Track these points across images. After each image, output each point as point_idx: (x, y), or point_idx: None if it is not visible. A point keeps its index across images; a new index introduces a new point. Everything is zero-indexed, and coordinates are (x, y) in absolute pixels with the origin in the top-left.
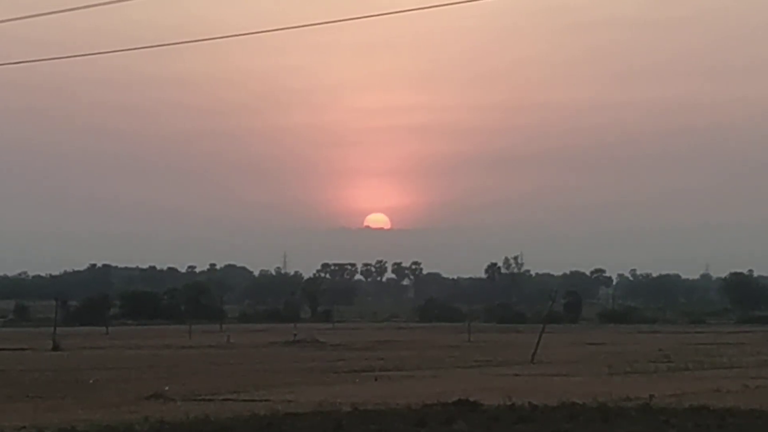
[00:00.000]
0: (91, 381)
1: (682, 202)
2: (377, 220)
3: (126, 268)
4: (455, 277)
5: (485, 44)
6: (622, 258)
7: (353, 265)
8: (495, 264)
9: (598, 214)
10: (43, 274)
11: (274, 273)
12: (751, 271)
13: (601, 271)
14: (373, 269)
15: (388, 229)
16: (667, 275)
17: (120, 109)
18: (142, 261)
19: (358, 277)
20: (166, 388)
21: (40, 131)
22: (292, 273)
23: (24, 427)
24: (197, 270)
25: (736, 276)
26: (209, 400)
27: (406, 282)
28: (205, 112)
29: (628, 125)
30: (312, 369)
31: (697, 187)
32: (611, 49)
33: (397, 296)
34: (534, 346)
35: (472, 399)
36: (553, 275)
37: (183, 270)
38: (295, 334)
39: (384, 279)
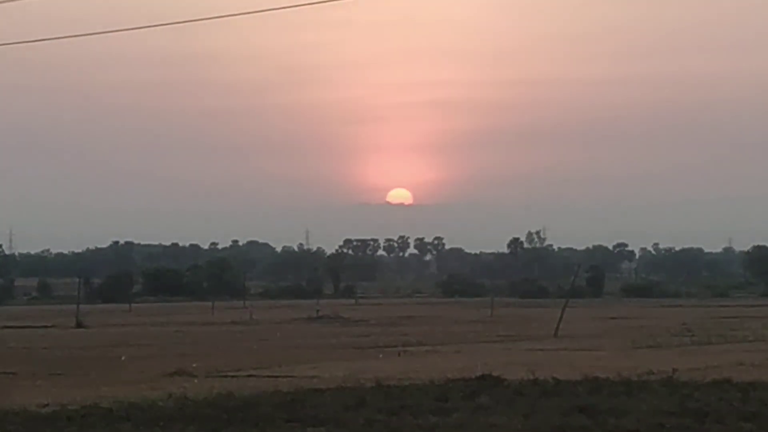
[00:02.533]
0: (123, 358)
1: (704, 175)
2: (399, 195)
3: (148, 245)
4: (478, 252)
5: (508, 19)
6: (645, 232)
7: (375, 240)
8: (517, 239)
9: (621, 189)
10: (65, 251)
11: (296, 249)
12: None
13: (624, 245)
14: (395, 245)
15: (410, 205)
16: (690, 249)
17: (141, 86)
18: (164, 238)
19: (380, 252)
20: (194, 365)
21: (61, 108)
22: (314, 249)
23: (47, 405)
24: (220, 246)
25: (759, 249)
26: (232, 376)
27: (428, 257)
28: (227, 88)
29: (651, 99)
30: (335, 345)
31: (720, 160)
32: (630, 22)
33: (419, 272)
34: (557, 320)
35: (495, 374)
36: (575, 250)
37: (205, 246)
38: (317, 310)
39: (406, 254)
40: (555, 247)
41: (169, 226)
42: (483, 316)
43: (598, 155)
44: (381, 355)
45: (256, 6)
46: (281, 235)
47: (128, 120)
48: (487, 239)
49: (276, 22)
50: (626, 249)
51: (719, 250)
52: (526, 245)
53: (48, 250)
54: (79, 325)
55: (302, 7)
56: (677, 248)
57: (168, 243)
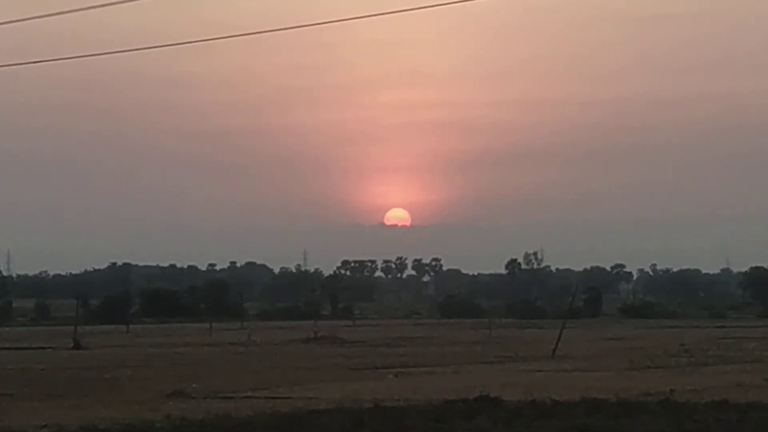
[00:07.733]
0: (129, 374)
1: (702, 196)
2: (397, 216)
3: (146, 266)
4: (475, 273)
5: (505, 40)
6: (642, 253)
7: (373, 261)
8: (515, 260)
9: (618, 210)
10: (63, 272)
11: (294, 270)
12: None
13: (621, 266)
14: (393, 266)
15: (408, 226)
16: (688, 270)
17: (139, 107)
18: (162, 259)
19: (378, 273)
20: (194, 385)
21: (59, 129)
22: (312, 270)
23: (45, 426)
24: (217, 268)
25: (756, 270)
26: (230, 397)
27: (426, 278)
28: (224, 110)
29: (649, 119)
30: (333, 366)
31: (717, 180)
32: (624, 42)
33: (417, 293)
34: (555, 341)
35: (493, 395)
36: (573, 270)
37: (203, 268)
38: (315, 331)
39: (404, 275)
40: (553, 268)
41: (167, 247)
42: (481, 337)
43: (595, 176)
44: (390, 376)
45: (253, 27)
46: (279, 257)
47: (126, 141)
48: (484, 260)
49: (273, 43)
50: (624, 270)
51: (717, 270)
52: (523, 266)
53: (45, 272)
54: (76, 346)
55: (300, 28)
56: (675, 269)
57: (166, 264)
